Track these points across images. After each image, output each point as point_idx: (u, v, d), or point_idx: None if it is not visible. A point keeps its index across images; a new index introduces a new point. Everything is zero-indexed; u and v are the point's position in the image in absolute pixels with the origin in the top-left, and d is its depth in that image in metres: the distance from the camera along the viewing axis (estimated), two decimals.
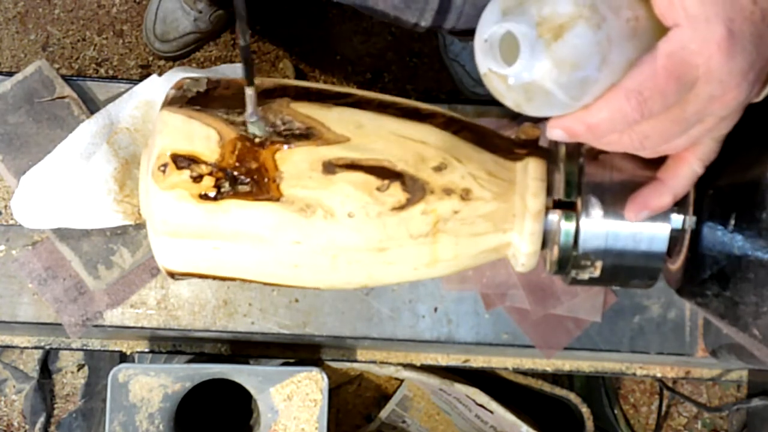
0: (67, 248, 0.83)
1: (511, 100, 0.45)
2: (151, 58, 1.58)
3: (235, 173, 0.52)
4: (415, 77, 1.58)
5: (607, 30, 0.42)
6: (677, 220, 0.53)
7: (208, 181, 0.52)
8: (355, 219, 0.53)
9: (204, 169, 0.52)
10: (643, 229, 0.52)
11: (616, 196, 0.51)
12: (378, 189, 0.52)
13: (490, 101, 1.56)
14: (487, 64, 0.44)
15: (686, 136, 0.46)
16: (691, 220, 0.53)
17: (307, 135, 0.53)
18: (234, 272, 0.56)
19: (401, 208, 0.53)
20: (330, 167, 0.52)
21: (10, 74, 0.87)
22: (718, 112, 0.44)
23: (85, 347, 0.94)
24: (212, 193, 0.52)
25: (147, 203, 0.54)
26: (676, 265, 0.56)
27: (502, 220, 0.54)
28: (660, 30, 0.43)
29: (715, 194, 0.52)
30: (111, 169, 0.81)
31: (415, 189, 0.53)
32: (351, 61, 1.58)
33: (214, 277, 0.57)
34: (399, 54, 1.58)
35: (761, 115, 0.51)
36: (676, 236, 0.54)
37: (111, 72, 1.58)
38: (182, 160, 0.52)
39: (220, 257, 0.55)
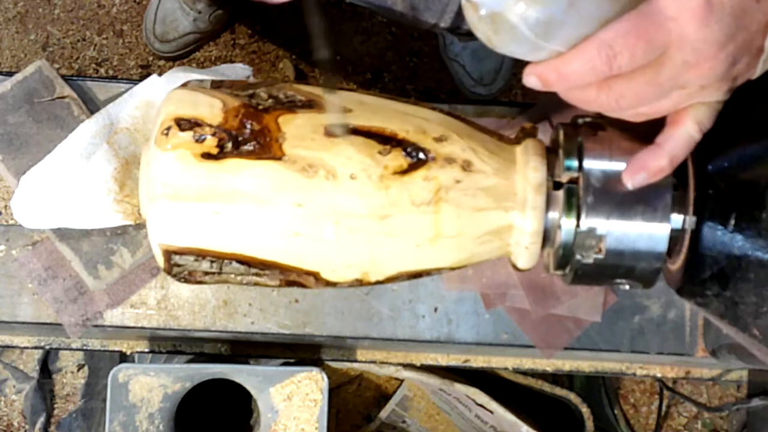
0: (67, 248, 0.83)
1: (481, 32, 0.46)
2: (151, 58, 1.58)
3: (238, 134, 0.53)
4: (415, 77, 1.58)
5: None
6: (677, 220, 0.53)
7: (211, 141, 0.52)
8: (357, 181, 0.52)
9: (207, 130, 0.53)
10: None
11: (616, 173, 0.52)
12: (380, 153, 0.53)
13: (490, 101, 1.56)
14: None
15: (667, 99, 0.46)
16: (691, 220, 0.53)
17: (309, 104, 0.54)
18: (233, 244, 0.54)
19: (403, 172, 0.53)
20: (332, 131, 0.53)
21: (10, 74, 0.87)
22: (696, 80, 0.45)
23: (85, 347, 0.94)
24: (214, 152, 0.52)
25: (147, 172, 0.53)
26: (676, 265, 0.56)
27: (503, 197, 0.54)
28: None
29: (715, 194, 0.52)
30: (111, 169, 0.81)
31: (416, 156, 0.53)
32: (351, 61, 1.58)
33: (213, 255, 0.55)
34: (399, 54, 1.58)
35: (761, 113, 0.51)
36: (676, 236, 0.54)
37: (111, 72, 1.58)
38: (186, 123, 0.53)
39: (219, 224, 0.53)
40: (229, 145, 0.52)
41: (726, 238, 0.51)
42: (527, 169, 0.54)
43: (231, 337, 0.92)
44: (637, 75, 0.45)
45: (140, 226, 0.83)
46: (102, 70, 1.58)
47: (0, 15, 1.59)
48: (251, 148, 0.52)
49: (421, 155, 0.53)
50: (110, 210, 0.80)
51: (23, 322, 0.86)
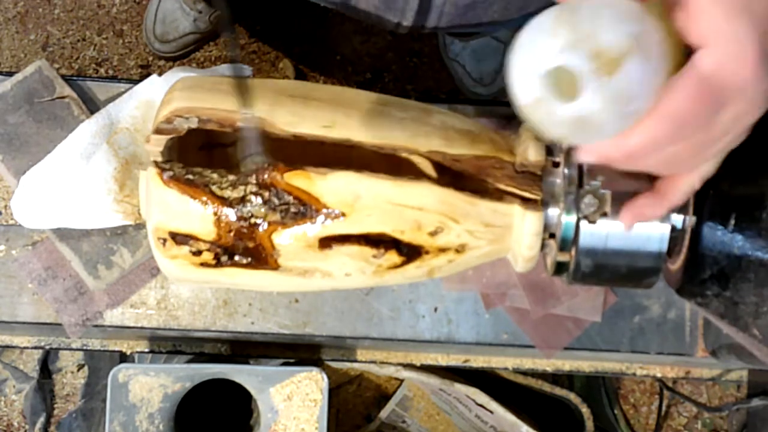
0: (67, 248, 0.83)
1: (558, 132, 0.43)
2: (151, 58, 1.58)
3: (233, 250, 0.53)
4: (415, 77, 1.58)
5: (656, 59, 0.41)
6: (677, 220, 0.53)
7: (207, 255, 0.54)
8: (352, 277, 0.54)
9: (202, 245, 0.54)
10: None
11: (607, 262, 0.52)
12: (374, 256, 0.53)
13: (490, 101, 1.55)
14: (536, 94, 0.42)
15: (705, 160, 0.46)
16: (691, 220, 0.53)
17: (303, 213, 0.53)
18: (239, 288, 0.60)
19: (397, 267, 0.54)
20: (326, 243, 0.53)
21: (10, 74, 0.87)
22: (738, 131, 0.44)
23: (85, 347, 0.94)
24: (212, 263, 0.54)
25: (154, 254, 0.56)
26: (676, 265, 0.56)
27: (496, 254, 0.56)
28: (678, 46, 0.42)
29: (715, 194, 0.52)
30: (111, 169, 0.81)
31: (411, 253, 0.54)
32: (351, 61, 1.58)
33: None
34: (399, 54, 1.58)
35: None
36: (676, 236, 0.54)
37: (111, 72, 1.58)
38: (181, 237, 0.54)
39: (224, 287, 0.59)
40: (225, 257, 0.54)
41: (726, 238, 0.51)
42: (521, 246, 0.54)
43: (231, 337, 0.92)
44: (691, 137, 0.43)
45: (140, 226, 0.83)
46: (102, 70, 1.58)
47: (0, 15, 1.59)
48: (247, 261, 0.54)
49: (415, 251, 0.54)
50: (110, 210, 0.80)
51: (23, 322, 0.86)
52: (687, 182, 0.48)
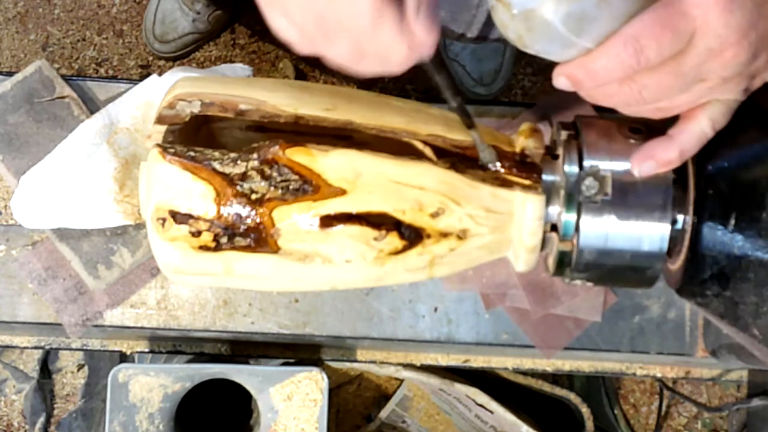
0: (67, 248, 0.83)
1: (513, 31, 0.46)
2: (151, 58, 1.58)
3: (233, 229, 0.53)
4: (415, 77, 1.58)
5: None
6: (677, 219, 0.53)
7: (207, 236, 0.53)
8: (352, 264, 0.54)
9: (202, 225, 0.53)
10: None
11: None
12: (375, 239, 0.53)
13: (490, 101, 1.55)
14: None
15: (688, 93, 0.46)
16: (691, 219, 0.53)
17: (304, 189, 0.53)
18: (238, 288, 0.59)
19: (398, 252, 0.53)
20: (327, 221, 0.53)
21: (10, 74, 0.87)
22: (718, 70, 0.45)
23: (85, 347, 0.94)
24: (211, 246, 0.53)
25: (150, 243, 0.56)
26: (676, 265, 0.56)
27: (498, 248, 0.55)
28: None
29: (715, 194, 0.52)
30: (111, 169, 0.81)
31: (412, 236, 0.53)
32: None
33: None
34: None
35: (761, 114, 0.51)
36: (676, 236, 0.54)
37: (111, 72, 1.58)
38: (180, 216, 0.53)
39: (223, 284, 0.58)
40: (225, 239, 0.53)
41: (726, 238, 0.51)
42: (524, 231, 0.54)
43: (231, 337, 0.92)
44: (661, 65, 0.44)
45: (140, 226, 0.83)
46: (102, 70, 1.58)
47: (0, 15, 1.59)
48: (247, 242, 0.53)
49: (417, 234, 0.53)
50: (110, 210, 0.80)
51: (23, 322, 0.86)
52: (696, 124, 0.48)
